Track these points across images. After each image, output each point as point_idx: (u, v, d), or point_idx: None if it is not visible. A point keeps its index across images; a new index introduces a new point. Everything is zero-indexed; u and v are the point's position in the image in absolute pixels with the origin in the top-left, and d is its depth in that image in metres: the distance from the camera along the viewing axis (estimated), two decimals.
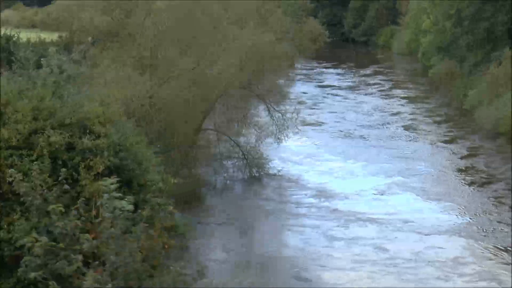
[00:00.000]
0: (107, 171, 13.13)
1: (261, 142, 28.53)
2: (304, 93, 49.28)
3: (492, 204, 24.86)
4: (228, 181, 27.54)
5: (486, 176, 27.85)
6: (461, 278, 18.87)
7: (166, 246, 12.70)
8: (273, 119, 29.35)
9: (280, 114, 29.24)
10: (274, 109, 29.30)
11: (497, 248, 20.97)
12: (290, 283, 19.23)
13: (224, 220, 24.40)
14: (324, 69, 61.16)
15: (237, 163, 28.19)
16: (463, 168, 29.22)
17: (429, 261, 20.06)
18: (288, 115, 29.22)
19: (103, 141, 13.09)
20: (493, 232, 22.20)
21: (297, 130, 29.72)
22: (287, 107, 30.33)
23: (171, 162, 24.44)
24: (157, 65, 25.51)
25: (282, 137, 29.43)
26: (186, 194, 24.60)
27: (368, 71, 57.94)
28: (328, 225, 23.06)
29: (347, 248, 21.16)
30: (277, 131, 29.41)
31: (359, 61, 65.21)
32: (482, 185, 27.05)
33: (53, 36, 37.67)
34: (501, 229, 22.45)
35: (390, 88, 49.07)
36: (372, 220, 23.36)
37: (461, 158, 30.76)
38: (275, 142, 29.67)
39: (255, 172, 28.01)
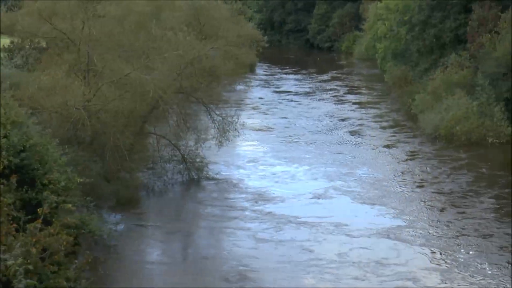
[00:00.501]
0: (8, 170, 13.42)
1: (201, 145, 28.84)
2: (261, 98, 49.78)
3: (424, 207, 25.35)
4: (167, 184, 27.79)
5: (420, 180, 28.40)
6: (378, 278, 19.31)
7: (65, 243, 13.02)
8: (214, 123, 29.69)
9: (221, 118, 29.59)
10: (215, 113, 29.63)
11: (423, 250, 21.35)
12: (215, 284, 19.56)
13: (158, 223, 24.70)
14: (284, 75, 61.73)
15: (177, 166, 28.47)
16: (401, 172, 29.74)
17: (353, 262, 20.49)
18: (229, 119, 29.55)
19: (3, 141, 13.36)
20: (422, 235, 22.55)
21: (237, 134, 30.04)
22: (228, 111, 30.65)
23: (105, 164, 24.81)
24: (95, 70, 25.73)
25: (223, 141, 29.80)
26: (124, 197, 24.99)
27: (326, 77, 58.61)
28: (259, 227, 23.40)
29: (273, 249, 21.53)
30: (218, 134, 29.79)
31: (320, 67, 65.85)
32: (416, 188, 27.57)
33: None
34: (429, 232, 22.90)
35: (344, 94, 49.72)
36: (304, 223, 23.72)
37: (400, 162, 31.33)
38: (216, 146, 29.97)
39: (194, 175, 28.34)
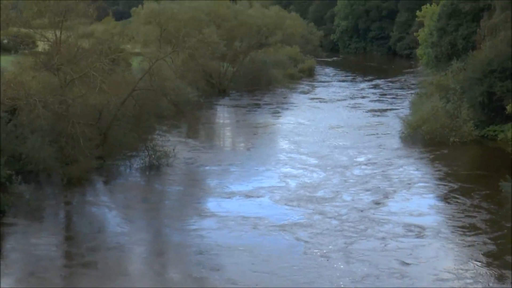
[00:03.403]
0: None
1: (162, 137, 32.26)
2: (291, 103, 51.81)
3: (336, 208, 25.74)
4: (126, 169, 31.58)
5: (354, 181, 29.22)
6: (235, 260, 21.20)
7: None
8: (181, 119, 33.03)
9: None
10: (180, 109, 32.88)
11: (302, 243, 22.48)
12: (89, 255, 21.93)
13: (97, 200, 28.02)
14: (337, 82, 63.11)
15: (141, 154, 32.21)
16: (341, 174, 30.44)
17: (228, 248, 22.18)
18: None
19: None
20: (313, 232, 23.32)
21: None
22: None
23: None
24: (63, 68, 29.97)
25: (190, 135, 33.19)
26: (75, 177, 28.86)
27: (368, 84, 59.57)
28: (169, 215, 26.01)
29: (169, 235, 24.05)
30: (186, 129, 33.17)
31: (381, 74, 66.59)
32: (344, 190, 28.10)
33: None
34: (323, 230, 23.60)
35: (369, 101, 50.46)
36: (216, 216, 25.38)
37: (350, 166, 31.87)
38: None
39: (155, 162, 31.72)
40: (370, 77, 64.90)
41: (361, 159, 33.29)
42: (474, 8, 41.92)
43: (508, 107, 28.70)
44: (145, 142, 32.44)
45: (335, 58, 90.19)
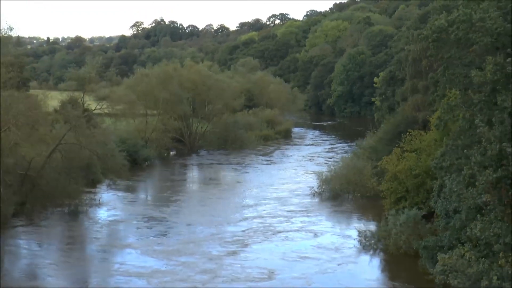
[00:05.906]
0: None
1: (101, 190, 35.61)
2: (243, 164, 53.88)
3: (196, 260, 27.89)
4: (48, 214, 35.26)
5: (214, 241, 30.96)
6: None
7: None
8: (108, 168, 36.26)
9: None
10: (106, 161, 36.12)
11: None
12: None
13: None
14: (303, 145, 65.56)
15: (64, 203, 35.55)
16: (220, 231, 32.43)
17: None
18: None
19: None
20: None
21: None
22: None
23: None
24: None
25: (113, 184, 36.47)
26: None
27: (328, 148, 62.07)
28: (56, 260, 28.74)
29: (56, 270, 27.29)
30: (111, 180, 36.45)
31: (353, 138, 67.98)
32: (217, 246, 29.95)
33: None
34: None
35: (313, 164, 52.54)
36: (93, 262, 28.66)
37: (238, 221, 34.36)
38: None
39: (74, 209, 35.52)
40: (340, 141, 67.21)
41: (252, 214, 35.66)
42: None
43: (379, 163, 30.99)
44: (71, 191, 35.33)
45: (330, 122, 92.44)
